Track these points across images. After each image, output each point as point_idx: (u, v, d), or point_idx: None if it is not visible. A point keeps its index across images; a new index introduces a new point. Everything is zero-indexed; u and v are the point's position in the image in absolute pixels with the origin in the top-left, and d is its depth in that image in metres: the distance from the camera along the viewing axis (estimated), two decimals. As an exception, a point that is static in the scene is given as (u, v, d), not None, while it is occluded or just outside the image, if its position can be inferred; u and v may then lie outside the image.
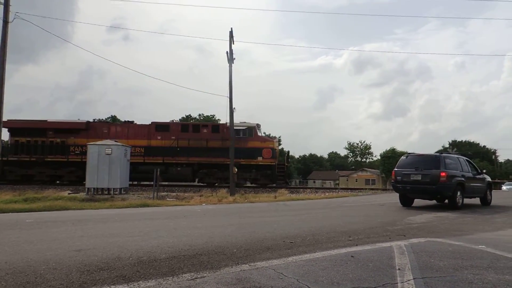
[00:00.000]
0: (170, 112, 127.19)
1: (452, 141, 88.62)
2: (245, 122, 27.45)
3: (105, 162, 18.98)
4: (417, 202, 13.93)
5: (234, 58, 22.00)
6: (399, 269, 4.43)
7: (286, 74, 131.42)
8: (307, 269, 4.43)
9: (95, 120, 31.84)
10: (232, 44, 21.97)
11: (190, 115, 79.49)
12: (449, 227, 8.26)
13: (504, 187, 42.02)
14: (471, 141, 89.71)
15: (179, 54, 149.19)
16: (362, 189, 27.65)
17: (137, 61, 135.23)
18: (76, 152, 26.50)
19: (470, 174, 13.33)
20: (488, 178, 14.79)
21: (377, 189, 27.15)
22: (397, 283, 3.89)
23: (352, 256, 5.05)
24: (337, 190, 25.84)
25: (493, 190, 15.49)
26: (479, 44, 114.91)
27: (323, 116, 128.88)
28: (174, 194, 20.39)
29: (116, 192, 18.98)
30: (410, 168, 12.82)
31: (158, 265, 4.52)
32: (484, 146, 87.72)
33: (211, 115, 77.39)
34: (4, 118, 27.53)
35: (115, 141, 21.89)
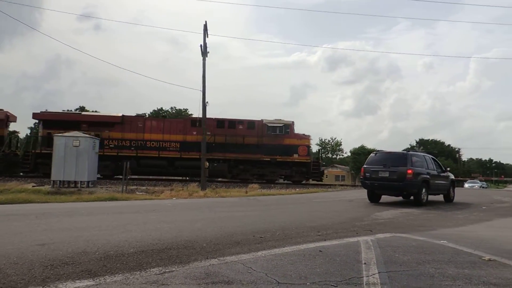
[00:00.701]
0: (141, 104, 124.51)
1: (420, 139, 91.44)
2: (280, 120, 27.71)
3: (73, 154, 18.44)
4: (384, 198, 14.29)
5: (208, 52, 21.78)
6: (365, 263, 4.54)
7: (260, 69, 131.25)
8: (276, 263, 4.47)
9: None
10: (206, 38, 21.74)
11: (162, 108, 78.27)
12: (413, 222, 8.52)
13: (466, 185, 43.82)
14: (437, 139, 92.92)
15: (153, 45, 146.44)
16: (332, 185, 28.09)
17: (109, 52, 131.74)
18: (111, 146, 26.08)
19: (435, 172, 13.78)
20: (452, 176, 15.34)
21: (347, 185, 27.64)
22: (362, 277, 3.99)
23: (320, 251, 5.13)
24: (307, 186, 26.14)
25: (456, 188, 16.09)
26: (447, 46, 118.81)
27: (296, 112, 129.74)
28: (144, 188, 20.09)
29: (84, 185, 18.50)
30: (378, 165, 13.13)
31: (125, 260, 4.44)
32: (449, 145, 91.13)
33: (184, 109, 76.42)
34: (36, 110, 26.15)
35: (83, 132, 21.33)
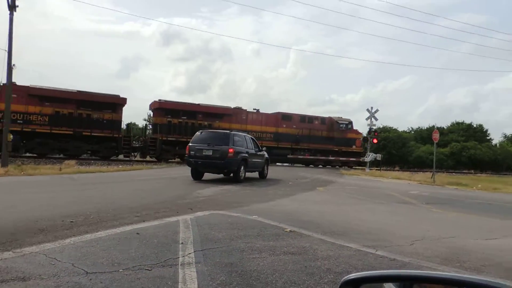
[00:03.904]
0: None
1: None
2: (341, 117, 34.56)
3: None
4: (207, 175, 14.84)
5: (17, 6, 18.36)
6: (182, 243, 4.58)
7: (87, 34, 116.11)
8: (86, 250, 4.12)
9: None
10: (14, -13, 18.25)
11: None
12: (231, 199, 9.09)
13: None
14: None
15: None
16: (156, 161, 27.77)
17: None
18: None
19: (253, 151, 14.99)
20: (266, 155, 16.97)
21: (172, 162, 27.74)
22: (178, 257, 4.01)
23: (137, 233, 4.96)
24: (131, 163, 25.19)
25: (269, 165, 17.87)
26: (272, 35, 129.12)
27: (125, 85, 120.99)
28: None
29: None
30: (203, 143, 13.50)
31: None
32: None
33: (-19, 69, 63.42)
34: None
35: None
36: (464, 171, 45.98)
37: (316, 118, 34.26)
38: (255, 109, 32.27)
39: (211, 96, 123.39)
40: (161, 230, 5.26)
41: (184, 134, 27.53)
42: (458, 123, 68.44)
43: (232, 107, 31.00)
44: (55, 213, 6.11)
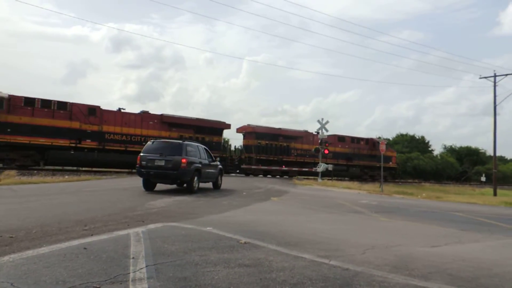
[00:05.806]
0: None
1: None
2: (380, 137, 43.20)
3: None
4: (160, 186, 14.49)
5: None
6: (133, 257, 4.40)
7: (30, 37, 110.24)
8: (27, 268, 3.84)
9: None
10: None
11: None
12: (185, 210, 8.90)
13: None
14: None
15: None
16: (108, 172, 26.74)
17: None
18: (294, 154, 35.39)
19: (206, 161, 14.83)
20: (220, 165, 16.87)
21: (123, 172, 26.85)
22: (129, 273, 3.84)
23: (85, 248, 4.70)
24: (78, 173, 24.07)
25: (223, 176, 17.76)
26: (224, 44, 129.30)
27: (72, 91, 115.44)
28: None
29: None
30: (155, 153, 13.17)
31: None
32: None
33: None
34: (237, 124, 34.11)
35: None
36: (409, 181, 48.32)
37: (362, 139, 41.01)
38: (316, 131, 36.20)
39: (164, 105, 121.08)
40: (110, 244, 5.02)
41: (270, 154, 33.99)
42: (402, 135, 72.06)
43: (302, 130, 37.22)
44: (-7, 228, 5.67)
